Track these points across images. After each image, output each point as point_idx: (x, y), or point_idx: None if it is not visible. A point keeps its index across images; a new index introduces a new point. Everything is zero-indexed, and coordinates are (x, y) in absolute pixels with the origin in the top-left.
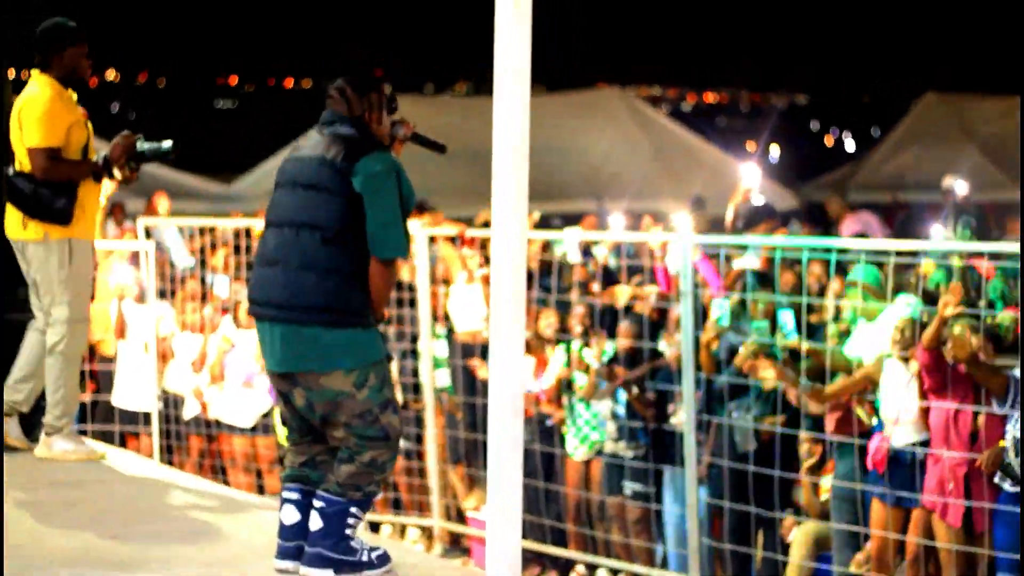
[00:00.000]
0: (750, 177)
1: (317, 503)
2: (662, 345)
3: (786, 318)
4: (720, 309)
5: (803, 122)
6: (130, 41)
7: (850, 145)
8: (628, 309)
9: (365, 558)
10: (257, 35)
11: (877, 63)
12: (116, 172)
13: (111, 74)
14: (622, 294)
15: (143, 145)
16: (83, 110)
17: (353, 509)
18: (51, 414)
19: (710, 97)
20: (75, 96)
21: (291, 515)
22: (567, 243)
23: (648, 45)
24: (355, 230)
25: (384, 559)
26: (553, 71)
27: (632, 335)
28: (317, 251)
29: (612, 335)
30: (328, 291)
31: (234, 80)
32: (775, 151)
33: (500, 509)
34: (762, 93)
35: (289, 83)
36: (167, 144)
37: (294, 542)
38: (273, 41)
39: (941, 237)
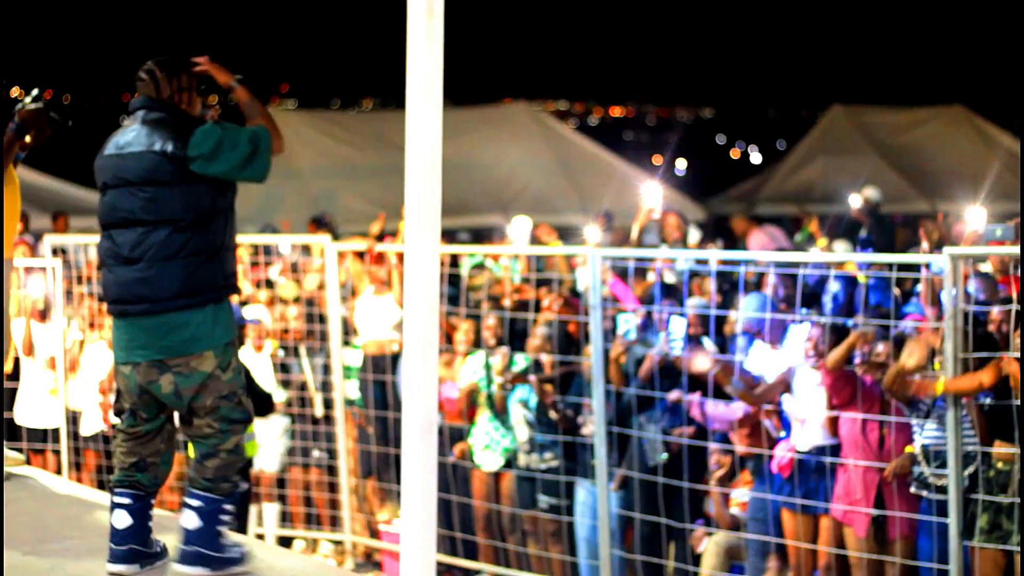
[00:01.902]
0: (652, 196)
1: (192, 501)
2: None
3: (677, 326)
4: (626, 323)
5: (709, 136)
6: (35, 58)
7: (756, 158)
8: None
9: (232, 554)
10: (162, 53)
11: (782, 76)
12: (28, 137)
13: (15, 91)
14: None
15: (52, 114)
16: None
17: (226, 505)
18: None
19: (616, 111)
20: None
21: (123, 519)
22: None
23: (555, 60)
24: (205, 212)
25: (246, 555)
26: (460, 86)
27: (545, 347)
28: (173, 242)
29: (521, 347)
30: (190, 275)
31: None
32: (681, 165)
33: (415, 523)
34: (668, 107)
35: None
36: (71, 124)
37: (126, 546)
38: (179, 59)
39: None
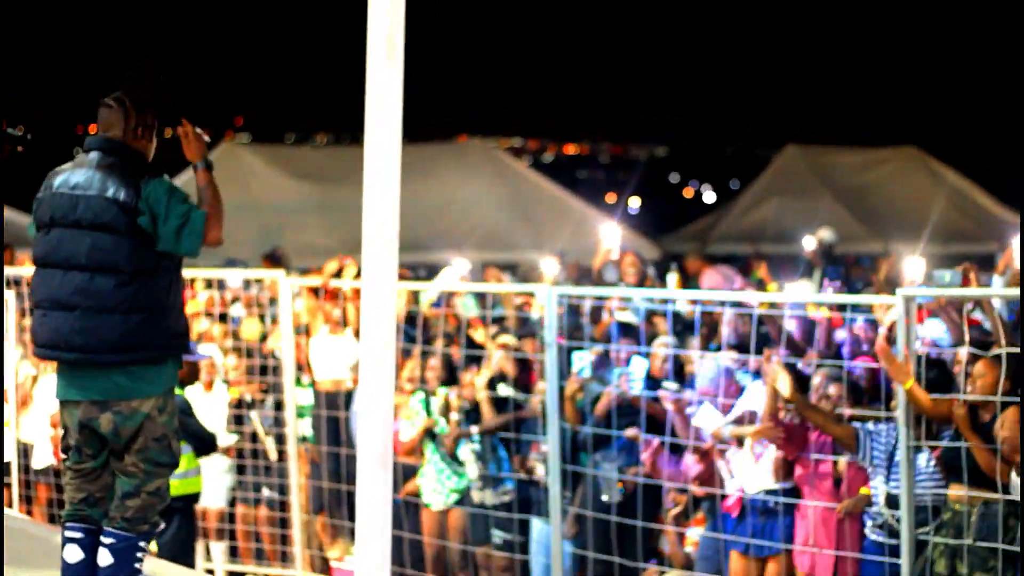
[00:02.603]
0: (610, 236)
1: (106, 539)
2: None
3: (638, 366)
4: (581, 360)
5: (663, 174)
6: None
7: (709, 197)
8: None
9: None
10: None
11: (737, 116)
12: None
13: None
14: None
15: (9, 131)
16: None
17: (141, 543)
18: None
19: (571, 149)
20: None
21: (75, 554)
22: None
23: (509, 97)
24: (148, 267)
25: None
26: (414, 122)
27: (489, 385)
28: (116, 293)
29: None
30: (132, 331)
31: (93, 129)
32: (635, 203)
33: (369, 561)
34: (622, 145)
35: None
36: (26, 139)
37: None
38: (149, 93)
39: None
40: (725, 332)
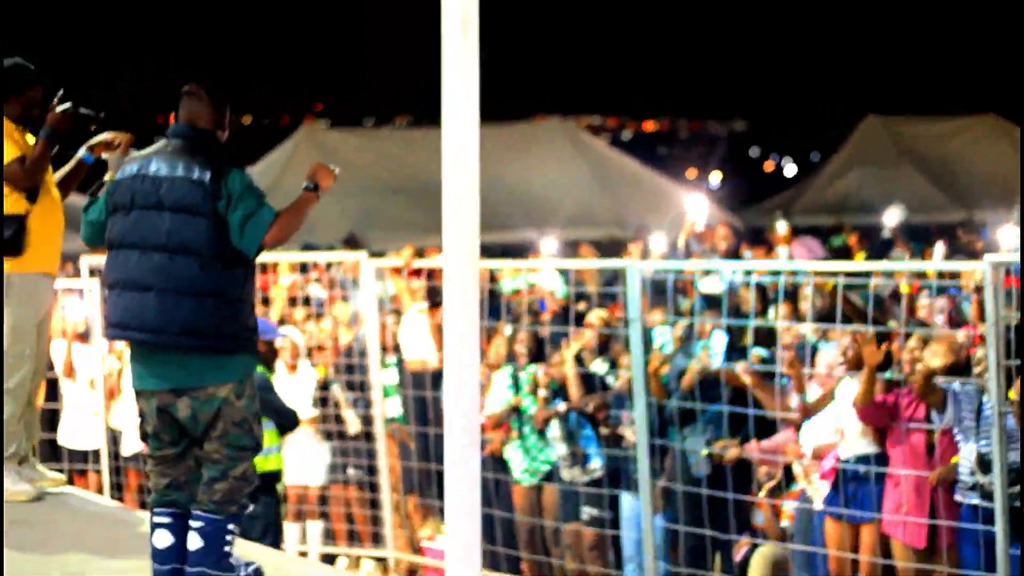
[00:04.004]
0: (696, 208)
1: (195, 523)
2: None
3: (718, 340)
4: (662, 336)
5: (743, 148)
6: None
7: (790, 170)
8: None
9: (243, 573)
10: (199, 74)
11: (816, 88)
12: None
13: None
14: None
15: (82, 110)
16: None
17: (230, 526)
18: None
19: (650, 125)
20: (31, 138)
21: (164, 539)
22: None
23: (587, 75)
24: (228, 252)
25: (258, 573)
26: (493, 103)
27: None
28: (194, 276)
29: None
30: (207, 316)
31: (173, 119)
32: (715, 178)
33: (459, 540)
34: (701, 120)
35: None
36: (103, 117)
37: (169, 565)
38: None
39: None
40: (807, 304)
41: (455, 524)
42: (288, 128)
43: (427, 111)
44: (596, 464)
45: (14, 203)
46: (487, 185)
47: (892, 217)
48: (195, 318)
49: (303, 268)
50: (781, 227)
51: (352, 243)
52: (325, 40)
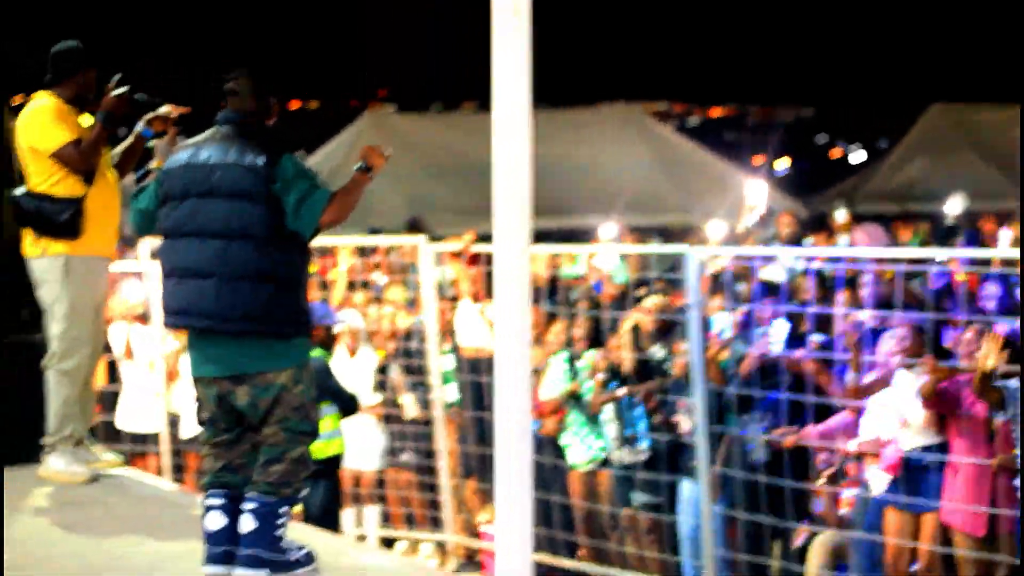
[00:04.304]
0: (756, 194)
1: (249, 505)
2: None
3: (778, 328)
4: (721, 322)
5: (809, 135)
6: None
7: (857, 157)
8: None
9: (295, 557)
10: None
11: (884, 75)
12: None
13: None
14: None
15: (137, 96)
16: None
17: (283, 509)
18: (48, 432)
19: (717, 112)
20: (85, 121)
21: (217, 520)
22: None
23: (654, 61)
24: (284, 237)
25: (310, 557)
26: (559, 88)
27: (633, 346)
28: (252, 261)
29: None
30: (264, 300)
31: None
32: (782, 164)
33: (509, 525)
34: (769, 107)
35: (296, 104)
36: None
37: (222, 547)
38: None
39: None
40: (866, 292)
41: (506, 509)
42: (355, 112)
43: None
44: (644, 446)
45: (71, 186)
46: (551, 170)
47: (955, 205)
48: (254, 303)
49: (363, 252)
50: (841, 215)
51: (415, 227)
52: (393, 24)
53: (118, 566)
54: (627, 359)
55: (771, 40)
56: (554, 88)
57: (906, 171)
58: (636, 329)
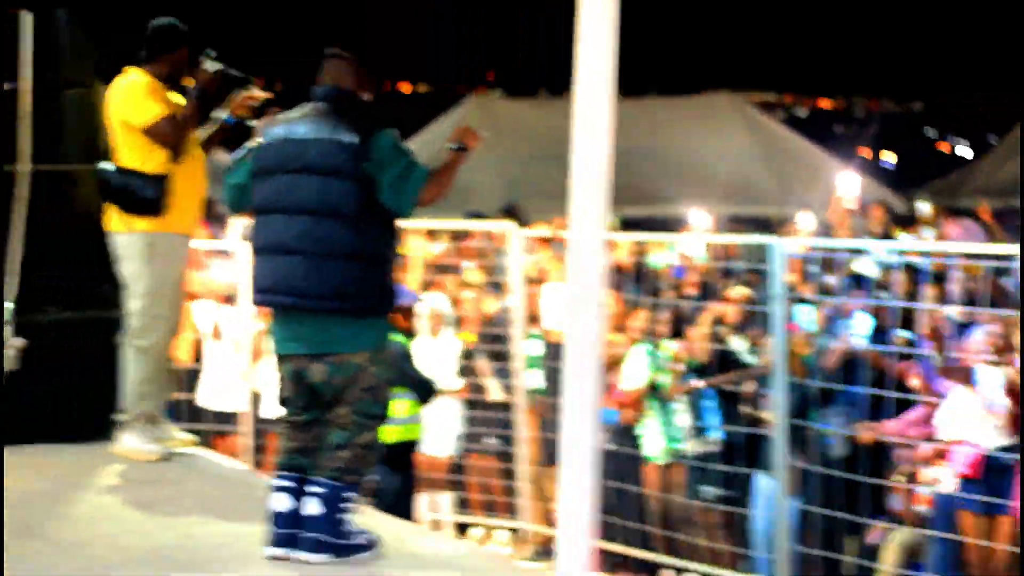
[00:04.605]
0: (846, 186)
1: (315, 488)
2: (738, 345)
3: (861, 322)
4: (806, 315)
5: (918, 128)
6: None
7: (965, 151)
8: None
9: (358, 541)
10: (358, 44)
11: (993, 69)
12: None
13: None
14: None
15: (232, 71)
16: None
17: (348, 494)
18: (123, 409)
19: (825, 103)
20: (176, 98)
21: (283, 502)
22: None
23: (764, 51)
24: (375, 214)
25: (374, 542)
26: (669, 76)
27: (713, 337)
28: (341, 239)
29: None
30: (354, 278)
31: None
32: (890, 157)
33: (572, 516)
34: (878, 99)
35: (407, 88)
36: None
37: (287, 529)
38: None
39: None
40: (955, 287)
41: (569, 501)
42: (462, 97)
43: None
44: (715, 437)
45: (158, 163)
46: (651, 157)
47: None
48: (341, 281)
49: (456, 236)
50: (925, 208)
51: (511, 213)
52: (501, 8)
53: (183, 545)
54: (704, 350)
55: (882, 32)
56: (663, 77)
57: (1009, 167)
58: (717, 320)
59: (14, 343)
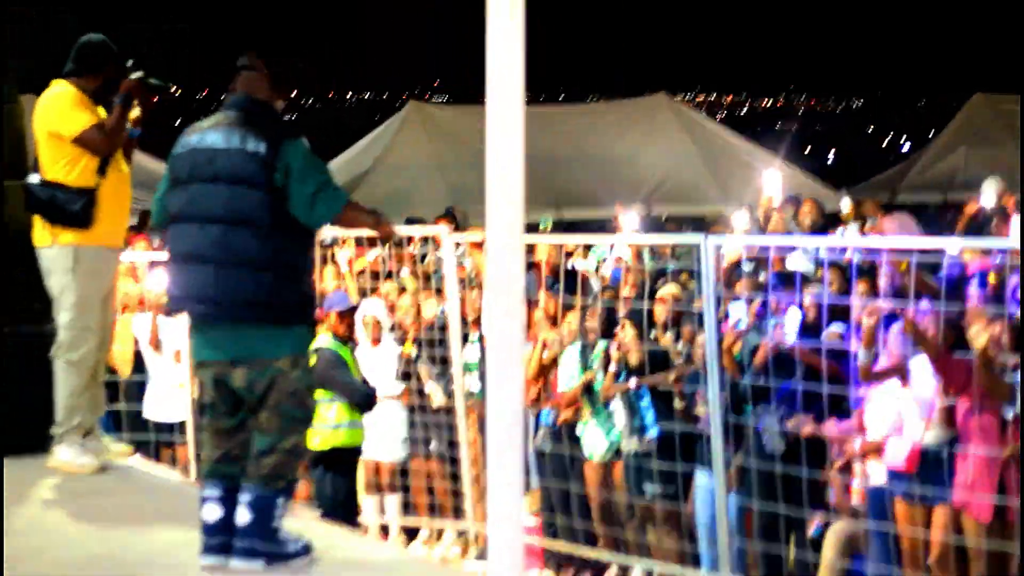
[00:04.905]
0: (771, 184)
1: (245, 496)
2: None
3: (791, 317)
4: (737, 312)
5: (859, 126)
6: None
7: (906, 148)
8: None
9: (291, 549)
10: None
11: (931, 66)
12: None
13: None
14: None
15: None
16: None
17: (279, 500)
18: (56, 422)
19: (766, 103)
20: (103, 113)
21: (213, 512)
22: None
23: (704, 53)
24: (286, 224)
25: (307, 548)
26: (606, 80)
27: (644, 336)
28: (251, 248)
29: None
30: (265, 287)
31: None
32: (830, 155)
33: (503, 516)
34: (817, 98)
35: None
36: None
37: (218, 538)
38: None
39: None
40: (883, 283)
41: (498, 506)
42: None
43: (542, 88)
44: (652, 435)
45: (85, 176)
46: (589, 161)
47: (989, 195)
48: (253, 290)
49: (397, 243)
50: (845, 205)
51: (450, 217)
52: (447, 14)
53: (116, 556)
54: (636, 350)
55: (819, 30)
56: (606, 82)
57: (948, 161)
58: (645, 319)
59: None
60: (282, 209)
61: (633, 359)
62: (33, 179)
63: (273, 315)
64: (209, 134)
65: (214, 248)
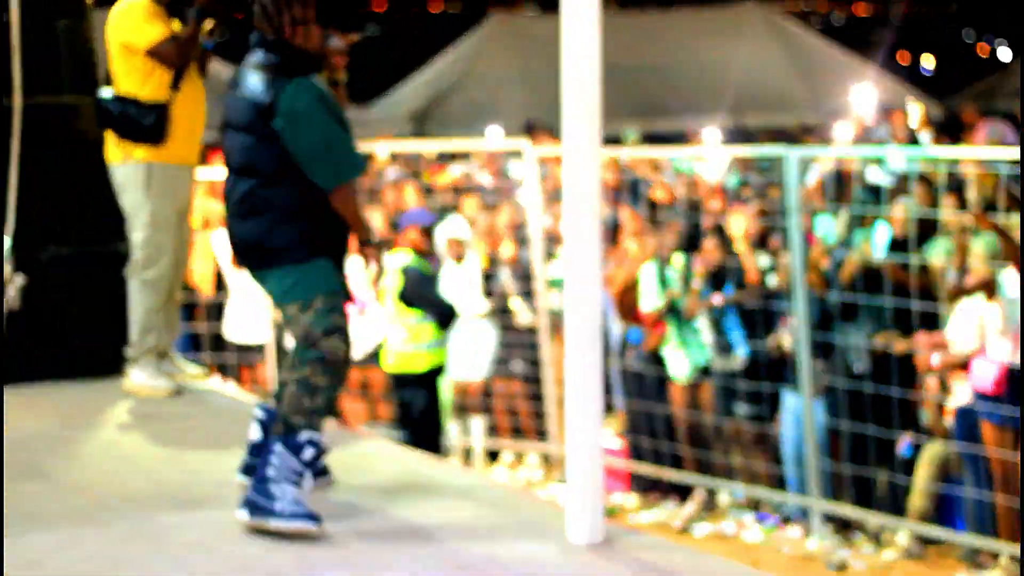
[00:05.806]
0: (862, 101)
1: (265, 418)
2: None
3: (880, 232)
4: (825, 226)
5: (956, 32)
6: None
7: (1005, 54)
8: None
9: (278, 507)
10: None
11: None
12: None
13: None
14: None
15: None
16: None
17: (279, 448)
18: (130, 344)
19: (861, 10)
20: (177, 26)
21: (254, 432)
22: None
23: None
24: (289, 169)
25: (298, 516)
26: None
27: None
28: (255, 196)
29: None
30: (265, 234)
31: (383, 6)
32: (928, 62)
33: (581, 443)
34: (914, 3)
35: (437, 8)
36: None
37: (249, 459)
38: None
39: None
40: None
41: (577, 430)
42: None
43: None
44: (740, 353)
45: (157, 89)
46: (677, 70)
47: None
48: (256, 238)
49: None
50: (914, 113)
51: (531, 130)
52: None
53: (187, 483)
54: (717, 264)
55: None
56: None
57: None
58: (725, 233)
59: (14, 280)
60: (282, 156)
61: (716, 275)
62: (105, 93)
63: (278, 260)
64: (240, 76)
65: (230, 196)
